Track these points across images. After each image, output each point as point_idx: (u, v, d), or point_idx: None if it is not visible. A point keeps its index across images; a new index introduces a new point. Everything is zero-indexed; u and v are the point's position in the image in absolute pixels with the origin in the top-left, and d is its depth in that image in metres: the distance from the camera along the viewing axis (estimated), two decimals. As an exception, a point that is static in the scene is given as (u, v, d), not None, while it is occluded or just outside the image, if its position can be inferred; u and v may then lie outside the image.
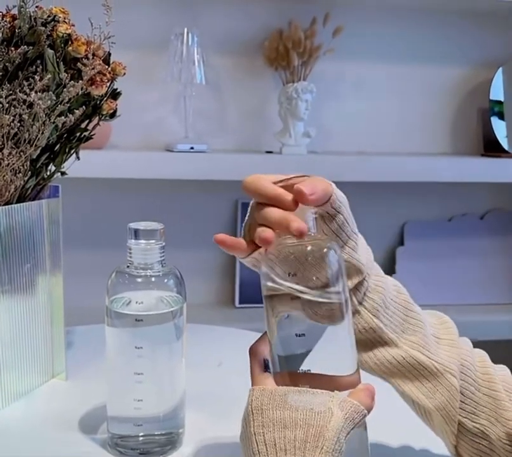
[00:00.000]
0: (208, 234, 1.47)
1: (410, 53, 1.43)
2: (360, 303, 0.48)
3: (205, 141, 1.29)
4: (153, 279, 0.58)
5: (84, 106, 0.61)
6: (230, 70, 1.35)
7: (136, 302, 0.56)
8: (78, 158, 0.70)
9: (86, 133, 0.68)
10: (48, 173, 0.70)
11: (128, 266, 0.58)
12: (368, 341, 0.48)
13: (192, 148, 1.25)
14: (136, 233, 0.57)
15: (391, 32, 1.41)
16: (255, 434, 0.39)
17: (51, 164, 0.68)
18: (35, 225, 0.69)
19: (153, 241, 0.57)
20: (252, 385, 0.42)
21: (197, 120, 1.32)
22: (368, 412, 0.40)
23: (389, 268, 1.52)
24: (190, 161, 1.23)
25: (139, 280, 0.57)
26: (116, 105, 0.66)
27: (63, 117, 0.59)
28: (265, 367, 0.43)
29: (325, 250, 0.43)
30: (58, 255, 0.72)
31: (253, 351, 0.44)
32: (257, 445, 0.38)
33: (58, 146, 0.67)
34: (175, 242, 1.42)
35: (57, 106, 0.60)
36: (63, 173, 0.70)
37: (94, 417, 0.65)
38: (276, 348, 0.43)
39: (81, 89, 0.59)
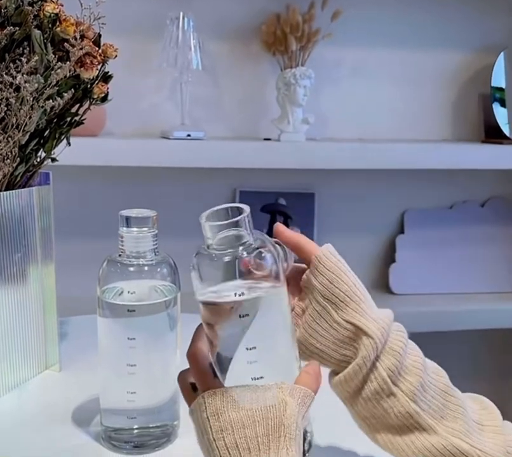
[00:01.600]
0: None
1: (410, 38, 1.41)
2: (395, 384, 0.45)
3: (202, 128, 1.26)
4: (146, 268, 0.56)
5: (73, 90, 0.59)
6: (227, 55, 1.33)
7: (128, 292, 0.55)
8: (69, 144, 0.68)
9: (77, 118, 0.66)
10: (38, 160, 0.68)
11: (119, 255, 0.56)
12: (404, 426, 0.45)
13: (188, 135, 1.23)
14: (128, 221, 0.55)
15: (391, 16, 1.38)
16: (214, 440, 0.38)
17: (41, 150, 0.66)
18: (25, 213, 0.68)
19: (145, 229, 0.56)
20: (200, 391, 0.41)
21: (193, 106, 1.29)
22: (315, 393, 0.41)
23: (389, 257, 1.50)
24: (186, 149, 1.21)
25: (131, 269, 0.56)
26: (107, 88, 0.64)
27: (51, 101, 0.57)
28: (214, 372, 0.41)
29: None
30: (50, 244, 0.71)
31: (194, 356, 0.42)
32: (219, 451, 0.37)
33: (47, 131, 0.65)
34: (171, 231, 1.40)
35: (45, 89, 0.58)
36: (53, 159, 0.68)
37: (88, 409, 0.63)
38: (224, 349, 0.42)
39: (70, 72, 0.57)
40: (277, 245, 0.44)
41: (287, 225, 1.44)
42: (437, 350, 1.54)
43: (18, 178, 0.66)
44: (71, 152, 1.18)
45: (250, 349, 0.40)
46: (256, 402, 0.39)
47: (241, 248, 0.41)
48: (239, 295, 0.40)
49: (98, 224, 1.28)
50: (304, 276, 0.47)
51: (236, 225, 0.41)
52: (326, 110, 1.39)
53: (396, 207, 1.51)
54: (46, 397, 0.68)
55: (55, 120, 0.65)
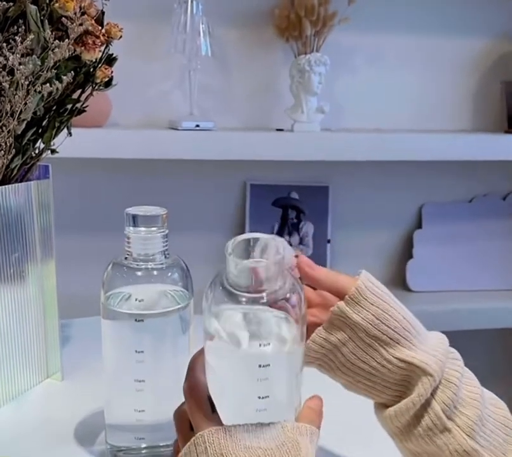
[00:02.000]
0: (215, 218, 1.41)
1: (431, 23, 1.34)
2: (450, 419, 0.40)
3: (211, 118, 1.20)
4: (155, 272, 0.50)
5: (73, 73, 0.53)
6: (238, 41, 1.26)
7: (136, 299, 0.49)
8: (70, 134, 0.62)
9: (78, 105, 0.60)
10: (37, 152, 0.62)
11: (125, 258, 0.50)
12: None
13: (197, 126, 1.16)
14: (135, 220, 0.49)
15: (410, 0, 1.31)
16: None
17: (39, 140, 0.60)
18: (23, 209, 0.62)
19: (154, 228, 0.50)
20: (198, 430, 0.36)
21: (202, 96, 1.23)
22: (319, 429, 0.39)
23: (406, 253, 1.44)
24: (195, 140, 1.15)
25: (139, 273, 0.50)
26: (111, 72, 0.58)
27: (49, 85, 0.51)
28: (213, 407, 0.37)
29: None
30: (50, 242, 0.65)
31: (191, 390, 0.38)
32: None
33: (46, 120, 0.59)
34: (179, 228, 1.34)
35: (42, 72, 0.52)
36: (53, 151, 0.62)
37: (93, 424, 0.58)
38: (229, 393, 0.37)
39: (69, 51, 0.51)
40: (299, 285, 0.39)
41: (299, 220, 1.39)
42: (456, 349, 1.47)
43: (15, 171, 0.60)
44: (73, 144, 1.12)
45: (262, 398, 0.36)
46: (264, 440, 0.35)
47: (267, 294, 0.36)
48: (265, 345, 0.36)
49: (102, 219, 1.22)
50: (336, 308, 0.42)
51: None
52: (342, 99, 1.32)
53: (414, 201, 1.44)
54: (47, 409, 0.63)
55: (54, 108, 0.59)
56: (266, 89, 1.29)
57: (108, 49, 0.60)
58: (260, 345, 0.36)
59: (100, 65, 0.58)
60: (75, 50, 0.52)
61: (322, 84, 1.20)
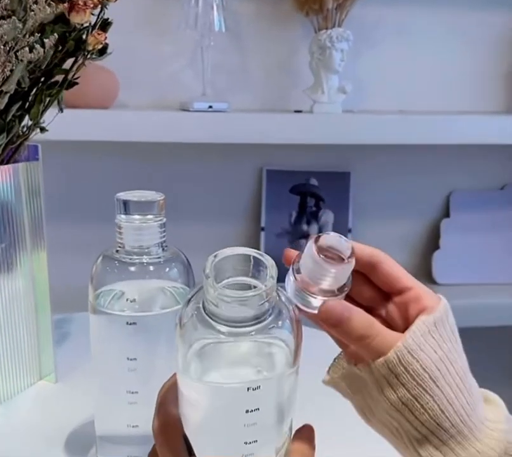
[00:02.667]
0: (228, 207, 1.33)
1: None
2: None
3: (225, 99, 1.13)
4: (151, 268, 0.44)
5: (56, 36, 0.46)
6: (254, 16, 1.18)
7: (127, 299, 0.42)
8: (61, 109, 0.56)
9: (69, 77, 0.53)
10: (26, 130, 0.56)
11: (117, 251, 0.44)
12: None
13: (210, 107, 1.09)
14: (127, 206, 0.42)
15: (441, -29, 1.22)
16: None
17: (27, 118, 0.54)
18: (9, 193, 0.56)
19: (150, 217, 0.43)
20: None
21: (216, 75, 1.16)
22: None
23: (433, 243, 1.36)
24: (208, 122, 1.08)
25: (132, 269, 0.43)
26: (105, 38, 0.51)
27: (28, 50, 0.45)
28: (189, 449, 0.31)
29: None
30: (41, 230, 0.59)
31: (163, 429, 0.32)
32: None
33: (32, 94, 0.52)
34: (188, 217, 1.29)
35: (22, 35, 0.45)
36: (42, 129, 0.56)
37: (86, 433, 0.52)
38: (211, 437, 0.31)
39: (53, 10, 0.44)
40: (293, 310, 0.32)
41: (318, 209, 1.31)
42: (487, 347, 1.38)
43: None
44: (78, 126, 1.06)
45: (250, 443, 0.31)
46: None
47: (253, 327, 0.29)
48: (253, 389, 0.29)
49: (106, 207, 1.16)
50: (358, 370, 0.34)
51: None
52: (365, 78, 1.24)
53: (441, 188, 1.36)
54: (38, 414, 0.58)
55: (43, 80, 0.53)
56: (284, 68, 1.21)
57: (104, 13, 0.53)
58: (247, 389, 0.29)
59: (92, 30, 0.50)
60: (56, 8, 0.44)
61: (344, 61, 1.12)
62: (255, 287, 0.30)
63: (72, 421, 0.54)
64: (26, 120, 0.55)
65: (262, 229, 1.26)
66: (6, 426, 0.55)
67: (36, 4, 0.43)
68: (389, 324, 0.36)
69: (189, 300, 0.31)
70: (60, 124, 1.04)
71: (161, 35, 1.15)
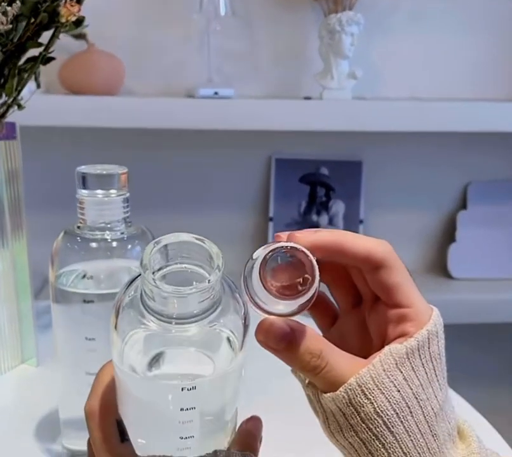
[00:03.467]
0: (235, 196, 1.31)
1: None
2: None
3: (232, 85, 1.10)
4: (114, 244, 0.42)
5: (18, 3, 0.44)
6: (262, 0, 1.15)
7: (84, 276, 0.40)
8: (38, 85, 0.54)
9: (42, 50, 0.51)
10: (2, 107, 0.54)
11: (79, 227, 0.42)
12: None
13: (216, 93, 1.07)
14: (86, 180, 0.41)
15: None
16: None
17: (1, 93, 0.52)
18: (-14, 174, 0.54)
19: (113, 191, 0.41)
20: None
21: (223, 60, 1.14)
22: (257, 453, 0.32)
23: (449, 236, 1.31)
24: (213, 108, 1.06)
25: (94, 244, 0.41)
26: (79, 9, 0.49)
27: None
28: (122, 434, 0.29)
29: None
30: (19, 213, 0.58)
31: (93, 410, 0.30)
32: None
33: (6, 68, 0.51)
34: (194, 207, 1.27)
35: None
36: (19, 106, 0.54)
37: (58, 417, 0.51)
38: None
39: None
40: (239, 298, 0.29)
41: (329, 199, 1.28)
42: (503, 343, 1.32)
43: (-26, 129, 0.52)
44: (86, 112, 1.06)
45: (185, 438, 0.29)
46: None
47: (193, 324, 0.27)
48: (189, 389, 0.27)
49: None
50: (309, 398, 0.30)
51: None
52: (378, 64, 1.20)
53: (458, 179, 1.30)
54: (15, 397, 0.57)
55: (16, 55, 0.51)
56: (293, 53, 1.18)
57: (80, -14, 0.51)
58: (182, 389, 0.27)
59: (65, 1, 0.49)
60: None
61: (354, 46, 1.08)
62: (200, 277, 0.27)
63: (47, 404, 0.53)
64: (4, 98, 0.54)
65: (271, 219, 1.23)
66: (-19, 409, 0.54)
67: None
68: (364, 330, 0.32)
69: (128, 285, 0.29)
70: (66, 110, 1.04)
71: (167, 21, 1.13)
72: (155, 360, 0.28)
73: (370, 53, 1.19)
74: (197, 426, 0.29)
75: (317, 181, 1.24)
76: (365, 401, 0.27)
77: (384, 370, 0.27)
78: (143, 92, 1.16)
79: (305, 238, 0.28)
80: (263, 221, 1.26)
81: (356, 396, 0.27)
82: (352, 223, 1.25)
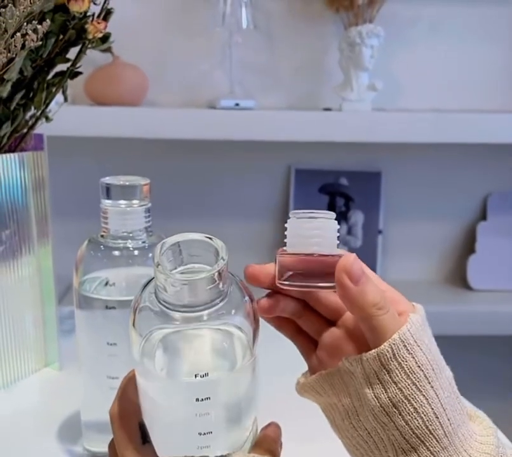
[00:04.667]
0: (255, 206, 1.32)
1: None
2: None
3: (253, 96, 1.12)
4: (135, 252, 0.43)
5: (49, 22, 0.46)
6: (284, 12, 1.17)
7: (107, 283, 0.42)
8: (66, 98, 0.56)
9: (69, 65, 0.53)
10: (31, 119, 0.57)
11: (102, 236, 0.44)
12: None
13: (237, 104, 1.09)
14: (109, 191, 0.42)
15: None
16: None
17: (31, 106, 0.55)
18: (15, 181, 0.57)
19: (135, 202, 0.43)
20: None
21: (244, 72, 1.16)
22: None
23: (468, 247, 1.31)
24: (234, 119, 1.08)
25: (116, 253, 0.43)
26: (105, 26, 0.51)
27: (20, 36, 0.45)
28: (143, 436, 0.30)
29: None
30: (46, 220, 0.60)
31: (117, 412, 0.31)
32: None
33: (36, 82, 0.53)
34: (214, 215, 1.29)
35: (24, 24, 0.45)
36: (47, 118, 0.56)
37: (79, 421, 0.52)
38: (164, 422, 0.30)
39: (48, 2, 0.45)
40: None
41: (348, 209, 1.29)
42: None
43: (4, 140, 0.55)
44: (110, 123, 1.08)
45: (204, 434, 0.30)
46: None
47: (205, 312, 0.29)
48: (201, 376, 0.29)
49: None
50: (348, 363, 0.30)
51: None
52: (398, 76, 1.21)
53: (478, 190, 1.30)
54: (38, 399, 0.59)
55: (46, 69, 0.53)
56: (313, 65, 1.20)
57: (107, 3, 0.54)
58: (195, 376, 0.29)
59: (92, 19, 0.51)
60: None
61: (374, 58, 1.09)
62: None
63: (69, 407, 0.55)
64: (33, 110, 0.56)
65: (290, 229, 1.24)
66: (6, 407, 0.56)
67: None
68: (356, 337, 0.32)
69: (144, 288, 0.31)
70: (90, 120, 1.07)
71: (190, 33, 1.16)
72: (171, 356, 0.30)
73: (390, 65, 1.20)
74: (215, 420, 0.30)
75: (337, 192, 1.25)
76: (407, 355, 0.28)
77: (418, 330, 0.29)
78: (166, 104, 1.18)
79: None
80: (282, 230, 1.26)
81: (400, 350, 0.28)
82: (371, 233, 1.25)
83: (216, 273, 0.28)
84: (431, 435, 0.28)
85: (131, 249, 0.43)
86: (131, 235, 0.43)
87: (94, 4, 0.52)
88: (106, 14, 0.53)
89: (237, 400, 0.31)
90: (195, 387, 0.29)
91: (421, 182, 1.28)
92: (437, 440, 0.28)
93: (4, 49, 0.47)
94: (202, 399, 0.29)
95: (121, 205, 0.43)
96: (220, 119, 1.08)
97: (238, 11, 1.08)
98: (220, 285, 0.28)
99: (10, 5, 0.45)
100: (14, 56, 0.48)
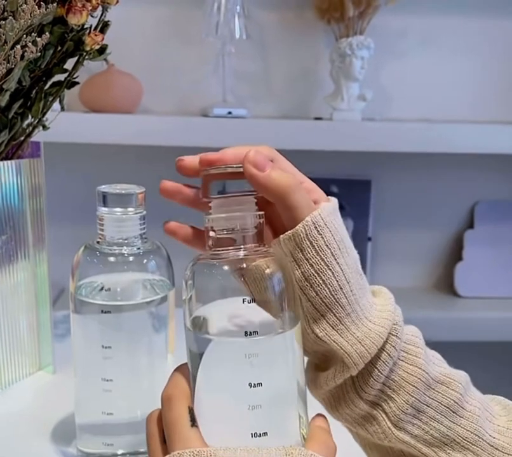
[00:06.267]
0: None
1: (488, 4, 1.22)
2: (376, 404, 0.35)
3: (245, 105, 1.14)
4: (130, 258, 0.45)
5: (48, 34, 0.48)
6: (276, 23, 1.19)
7: (102, 288, 0.43)
8: (62, 108, 0.58)
9: (66, 75, 0.55)
10: (31, 128, 0.58)
11: (98, 242, 0.45)
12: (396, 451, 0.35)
13: (230, 113, 1.11)
14: (106, 199, 0.44)
15: (468, -22, 1.20)
16: None
17: (29, 114, 0.56)
18: (12, 188, 0.58)
19: (131, 209, 0.44)
20: (172, 447, 0.29)
21: (236, 81, 1.18)
22: (335, 454, 0.31)
23: (456, 255, 1.33)
24: (227, 128, 1.10)
25: (112, 259, 0.44)
26: (102, 38, 0.53)
27: (20, 48, 0.47)
28: (192, 419, 0.30)
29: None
30: (41, 226, 0.61)
31: (168, 395, 0.31)
32: None
33: (34, 92, 0.55)
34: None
35: (23, 35, 0.47)
36: (44, 127, 0.58)
37: (73, 423, 0.53)
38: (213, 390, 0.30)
39: (42, 11, 0.46)
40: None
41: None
42: (510, 361, 1.33)
43: (2, 148, 0.56)
44: (104, 130, 1.10)
45: (254, 386, 0.29)
46: None
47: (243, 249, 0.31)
48: (250, 334, 0.29)
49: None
50: (273, 246, 0.34)
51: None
52: (388, 86, 1.23)
53: (465, 198, 1.33)
54: (32, 402, 0.60)
55: (44, 79, 0.55)
56: (305, 75, 1.22)
57: (104, 16, 0.55)
58: (245, 334, 0.29)
59: (89, 31, 0.52)
60: (46, 9, 0.46)
61: (365, 69, 1.12)
62: None
63: (63, 411, 0.56)
64: (30, 119, 0.57)
65: (281, 235, 1.26)
66: (0, 412, 0.57)
67: (26, 4, 0.45)
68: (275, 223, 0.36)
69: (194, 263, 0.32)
70: (85, 127, 1.08)
71: (184, 42, 1.18)
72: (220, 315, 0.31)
73: (380, 76, 1.22)
74: (265, 395, 0.29)
75: (327, 199, 1.27)
76: (317, 235, 0.33)
77: (328, 215, 0.33)
78: (159, 111, 1.20)
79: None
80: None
81: (311, 231, 0.32)
82: (360, 241, 1.27)
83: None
84: (336, 303, 0.33)
85: (126, 255, 0.44)
86: (126, 241, 0.44)
87: (92, 16, 0.53)
88: (103, 26, 0.54)
89: (286, 375, 0.30)
90: (246, 345, 0.29)
91: (410, 191, 1.30)
92: (342, 307, 0.33)
93: (4, 60, 0.49)
94: (251, 355, 0.29)
95: (116, 213, 0.44)
96: (212, 127, 1.10)
97: (231, 21, 1.10)
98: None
99: (10, 17, 0.47)
100: (13, 66, 0.50)
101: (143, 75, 1.13)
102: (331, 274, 0.33)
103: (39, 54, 0.50)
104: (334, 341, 0.33)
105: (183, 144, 1.10)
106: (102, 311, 0.43)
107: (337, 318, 0.33)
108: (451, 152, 1.17)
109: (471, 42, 1.24)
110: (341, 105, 1.13)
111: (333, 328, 0.33)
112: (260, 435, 0.29)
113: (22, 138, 0.58)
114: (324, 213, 0.33)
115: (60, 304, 1.07)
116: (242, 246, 0.31)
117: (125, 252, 0.44)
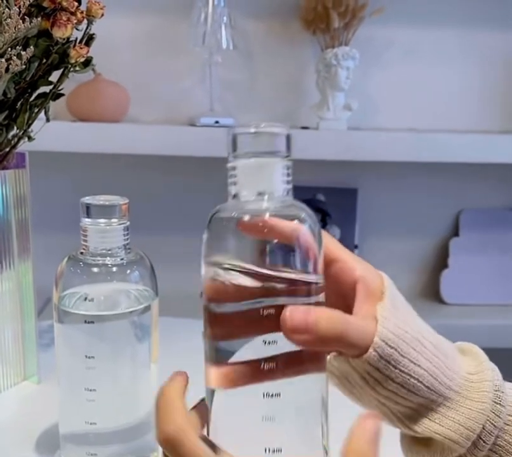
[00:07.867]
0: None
1: (471, 15, 1.24)
2: None
3: (232, 114, 1.15)
4: (114, 269, 0.45)
5: (33, 48, 0.49)
6: (262, 34, 1.20)
7: (86, 298, 0.44)
8: (48, 119, 0.58)
9: (51, 88, 0.55)
10: (16, 139, 0.58)
11: (82, 253, 0.46)
12: None
13: (216, 122, 1.12)
14: (89, 210, 0.44)
15: (451, -10, 1.22)
16: None
17: (14, 126, 0.56)
18: (-4, 199, 0.58)
19: (114, 220, 0.45)
20: None
21: (223, 91, 1.19)
22: None
23: (441, 262, 1.34)
24: (214, 137, 1.10)
25: (95, 269, 0.45)
26: (87, 51, 0.54)
27: (4, 61, 0.47)
28: (210, 446, 0.28)
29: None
30: (26, 236, 0.61)
31: (174, 434, 0.27)
32: None
33: (19, 103, 0.55)
34: (197, 230, 1.29)
35: (8, 49, 0.48)
36: (30, 138, 0.58)
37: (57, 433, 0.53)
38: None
39: (27, 25, 0.47)
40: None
41: (325, 224, 1.31)
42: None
43: (-13, 158, 0.56)
44: (91, 139, 1.10)
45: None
46: None
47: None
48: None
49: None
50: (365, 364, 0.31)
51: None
52: (373, 96, 1.25)
53: (451, 207, 1.34)
54: (16, 412, 0.59)
55: (29, 91, 0.55)
56: (291, 85, 1.23)
57: (90, 29, 0.56)
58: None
59: (74, 44, 0.53)
60: (30, 22, 0.47)
61: (350, 79, 1.13)
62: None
63: (48, 421, 0.56)
64: (16, 130, 0.58)
65: (268, 244, 1.27)
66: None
67: (10, 18, 0.45)
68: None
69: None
70: (72, 136, 1.09)
71: (171, 52, 1.19)
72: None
73: (366, 86, 1.23)
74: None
75: (314, 207, 1.26)
76: (391, 351, 0.31)
77: (392, 323, 0.31)
78: (146, 120, 1.20)
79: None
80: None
81: (384, 350, 0.30)
82: (347, 248, 1.27)
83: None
84: (427, 400, 0.32)
85: (109, 265, 0.45)
86: (109, 252, 0.45)
87: (77, 29, 0.54)
88: (88, 39, 0.55)
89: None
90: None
91: (396, 199, 1.32)
92: (433, 402, 0.32)
93: (-11, 72, 0.49)
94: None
95: (100, 224, 0.44)
96: (200, 136, 1.11)
97: (218, 31, 1.11)
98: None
99: (-4, 31, 0.47)
100: (-2, 79, 0.50)
101: (131, 84, 1.14)
102: (415, 381, 0.31)
103: (24, 67, 0.50)
104: (435, 432, 0.32)
105: (170, 153, 1.11)
106: (85, 321, 0.43)
107: (432, 410, 0.32)
108: (437, 161, 1.18)
109: (454, 53, 1.26)
110: (327, 114, 1.14)
111: (431, 420, 0.32)
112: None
113: (7, 149, 0.58)
114: (388, 323, 0.31)
115: (46, 314, 1.07)
116: None
117: (109, 262, 0.45)
